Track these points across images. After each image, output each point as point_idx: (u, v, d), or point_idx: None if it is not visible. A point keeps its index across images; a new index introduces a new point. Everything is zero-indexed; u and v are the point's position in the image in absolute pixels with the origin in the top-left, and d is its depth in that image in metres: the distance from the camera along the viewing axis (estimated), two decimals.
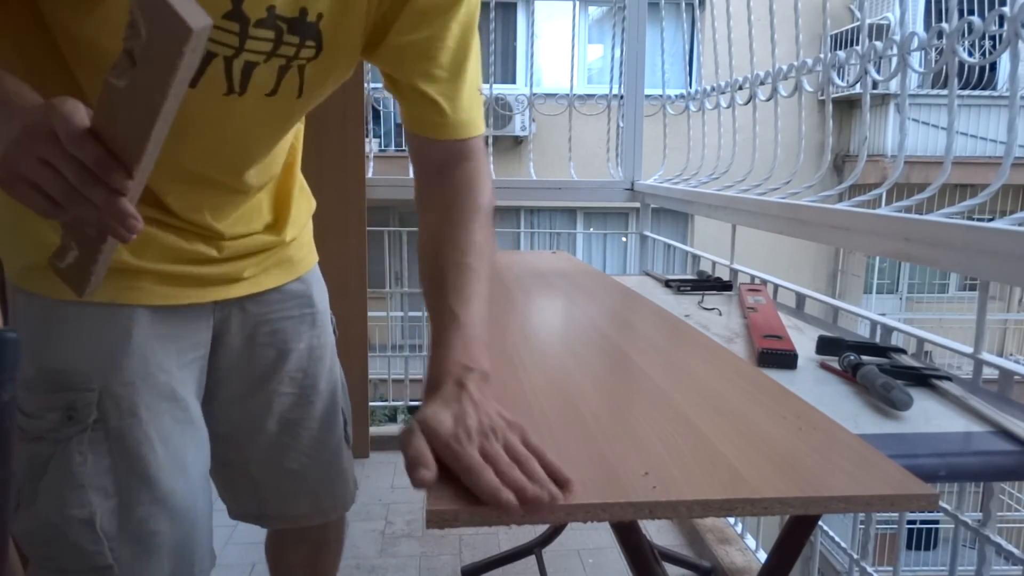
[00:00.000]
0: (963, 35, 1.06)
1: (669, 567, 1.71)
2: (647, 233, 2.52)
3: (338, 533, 1.10)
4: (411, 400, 2.79)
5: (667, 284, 1.62)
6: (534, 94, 2.64)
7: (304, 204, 0.99)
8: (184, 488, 0.80)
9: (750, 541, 1.81)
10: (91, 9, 0.61)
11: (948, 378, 0.92)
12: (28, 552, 0.78)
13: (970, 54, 1.08)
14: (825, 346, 1.03)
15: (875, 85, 1.31)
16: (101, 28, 0.62)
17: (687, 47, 6.12)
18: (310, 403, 0.96)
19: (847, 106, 7.45)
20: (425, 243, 0.80)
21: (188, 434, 0.82)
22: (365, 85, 2.35)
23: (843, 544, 1.43)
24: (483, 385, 0.63)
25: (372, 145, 3.34)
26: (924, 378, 0.92)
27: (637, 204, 2.53)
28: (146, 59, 0.50)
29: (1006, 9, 0.95)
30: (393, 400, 2.82)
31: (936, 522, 6.69)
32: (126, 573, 0.76)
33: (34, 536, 0.76)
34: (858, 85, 1.34)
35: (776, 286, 1.59)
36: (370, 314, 2.37)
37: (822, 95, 1.66)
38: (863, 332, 1.27)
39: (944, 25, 1.06)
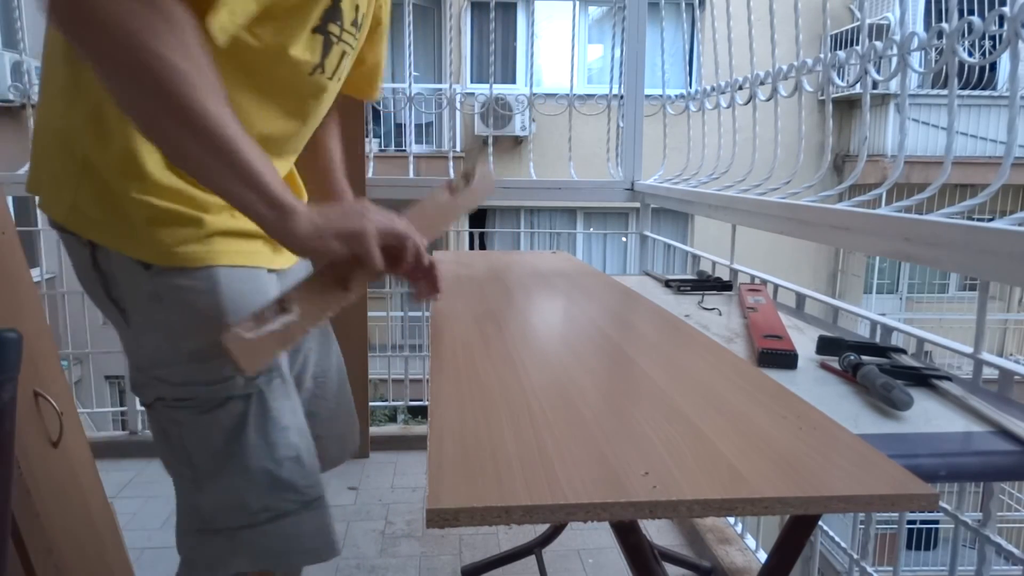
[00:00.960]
0: (963, 35, 1.05)
1: (669, 567, 1.71)
2: (647, 233, 2.52)
3: None
4: (411, 400, 2.79)
5: (667, 284, 1.61)
6: (534, 94, 2.64)
7: None
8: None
9: (750, 541, 1.81)
10: (291, 27, 0.78)
11: (948, 378, 0.92)
12: (230, 520, 0.81)
13: (970, 54, 1.08)
14: (825, 346, 1.03)
15: (875, 85, 1.30)
16: (291, 39, 0.78)
17: (687, 47, 6.11)
18: (329, 358, 1.10)
19: (847, 106, 7.45)
20: (319, 145, 1.06)
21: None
22: None
23: (843, 544, 1.43)
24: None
25: (372, 145, 3.34)
26: (924, 378, 0.92)
27: (637, 204, 2.53)
28: (466, 194, 0.92)
29: (1006, 9, 0.95)
30: (393, 400, 2.82)
31: (936, 522, 6.69)
32: (325, 500, 0.87)
33: (246, 493, 0.80)
34: (858, 85, 1.34)
35: (776, 286, 1.59)
36: (370, 314, 2.37)
37: (822, 95, 1.66)
38: (863, 332, 1.27)
39: (944, 25, 1.06)
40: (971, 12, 1.09)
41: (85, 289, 0.83)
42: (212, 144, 0.65)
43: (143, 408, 0.85)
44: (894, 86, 1.34)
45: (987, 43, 1.14)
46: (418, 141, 7.28)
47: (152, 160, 0.76)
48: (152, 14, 0.61)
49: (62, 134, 0.77)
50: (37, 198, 0.83)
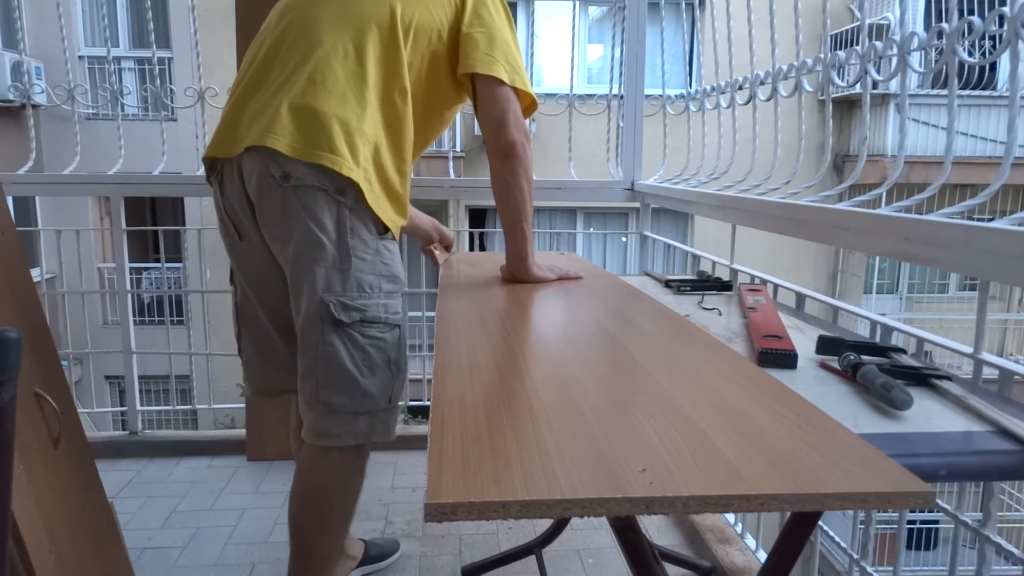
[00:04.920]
0: (963, 35, 1.05)
1: (669, 567, 1.71)
2: (647, 233, 2.53)
3: None
4: (411, 400, 2.79)
5: (667, 284, 1.62)
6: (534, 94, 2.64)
7: None
8: None
9: (750, 541, 1.81)
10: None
11: (948, 378, 0.92)
12: (381, 403, 1.26)
13: (970, 54, 1.08)
14: (825, 346, 1.03)
15: (875, 85, 1.30)
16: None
17: (687, 47, 6.11)
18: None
19: (847, 106, 7.46)
20: None
21: None
22: None
23: (843, 544, 1.43)
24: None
25: None
26: (924, 378, 0.92)
27: (637, 204, 2.53)
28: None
29: (1006, 9, 0.95)
30: None
31: (936, 522, 6.69)
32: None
33: (395, 385, 1.28)
34: (858, 85, 1.34)
35: (776, 286, 1.59)
36: None
37: (822, 95, 1.66)
38: (863, 332, 1.27)
39: (944, 25, 1.06)
40: (971, 12, 1.09)
41: (315, 234, 1.18)
42: (531, 214, 1.44)
43: (332, 324, 1.20)
44: (894, 86, 1.34)
45: (987, 43, 1.14)
46: None
47: (407, 172, 1.30)
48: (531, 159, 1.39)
49: (360, 130, 1.20)
50: (314, 159, 1.17)
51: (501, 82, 1.33)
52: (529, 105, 1.43)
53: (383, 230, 1.26)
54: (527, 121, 1.41)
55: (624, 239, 7.65)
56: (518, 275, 1.45)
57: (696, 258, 2.11)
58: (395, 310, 1.27)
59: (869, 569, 1.35)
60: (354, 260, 1.21)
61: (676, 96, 2.42)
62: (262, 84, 1.25)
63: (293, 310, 1.26)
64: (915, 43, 1.16)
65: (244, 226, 1.28)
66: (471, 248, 7.13)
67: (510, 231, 1.42)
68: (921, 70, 1.22)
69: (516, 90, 1.36)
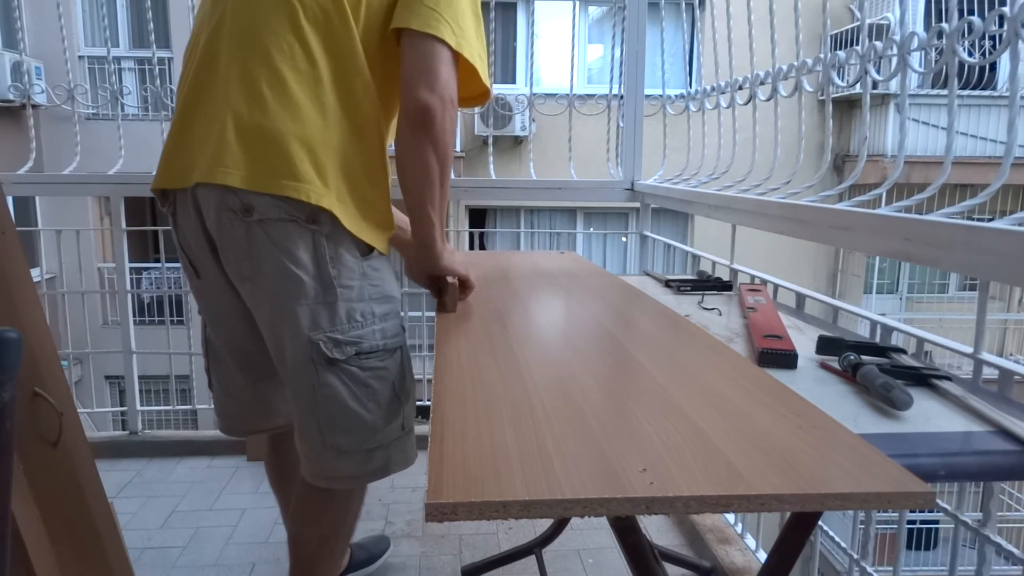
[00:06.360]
0: (963, 35, 1.05)
1: (669, 567, 1.71)
2: (647, 233, 2.52)
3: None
4: None
5: (667, 284, 1.62)
6: (534, 94, 2.64)
7: None
8: None
9: (750, 541, 1.81)
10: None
11: (948, 378, 0.92)
12: (393, 434, 1.16)
13: (970, 54, 1.08)
14: (825, 346, 1.03)
15: (875, 85, 1.30)
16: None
17: (687, 47, 6.12)
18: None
19: (847, 106, 7.46)
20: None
21: None
22: None
23: (843, 544, 1.43)
24: None
25: None
26: (924, 378, 0.92)
27: (637, 204, 2.53)
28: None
29: (1006, 9, 0.95)
30: None
31: (936, 522, 6.70)
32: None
33: (406, 413, 1.18)
34: (858, 85, 1.34)
35: (776, 286, 1.59)
36: None
37: (822, 95, 1.66)
38: (863, 332, 1.27)
39: (944, 25, 1.06)
40: (971, 12, 1.09)
41: (290, 270, 1.05)
42: (446, 198, 1.16)
43: (326, 364, 1.08)
44: (894, 86, 1.34)
45: (987, 43, 1.14)
46: None
47: (384, 177, 1.14)
48: (452, 143, 1.11)
49: (324, 144, 1.05)
50: (276, 189, 1.03)
51: (437, 39, 1.07)
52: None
53: (367, 250, 1.12)
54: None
55: (624, 239, 7.65)
56: (423, 265, 1.21)
57: (696, 258, 2.11)
58: (393, 332, 1.15)
59: (869, 569, 1.35)
60: (339, 290, 1.08)
61: (676, 96, 2.42)
62: (206, 94, 1.09)
63: (275, 356, 1.13)
64: (915, 43, 1.16)
65: (201, 264, 1.15)
66: (471, 247, 7.13)
67: (413, 215, 1.16)
68: (921, 70, 1.22)
69: (458, 59, 1.10)
